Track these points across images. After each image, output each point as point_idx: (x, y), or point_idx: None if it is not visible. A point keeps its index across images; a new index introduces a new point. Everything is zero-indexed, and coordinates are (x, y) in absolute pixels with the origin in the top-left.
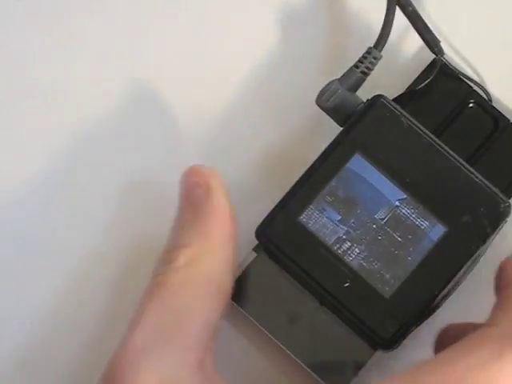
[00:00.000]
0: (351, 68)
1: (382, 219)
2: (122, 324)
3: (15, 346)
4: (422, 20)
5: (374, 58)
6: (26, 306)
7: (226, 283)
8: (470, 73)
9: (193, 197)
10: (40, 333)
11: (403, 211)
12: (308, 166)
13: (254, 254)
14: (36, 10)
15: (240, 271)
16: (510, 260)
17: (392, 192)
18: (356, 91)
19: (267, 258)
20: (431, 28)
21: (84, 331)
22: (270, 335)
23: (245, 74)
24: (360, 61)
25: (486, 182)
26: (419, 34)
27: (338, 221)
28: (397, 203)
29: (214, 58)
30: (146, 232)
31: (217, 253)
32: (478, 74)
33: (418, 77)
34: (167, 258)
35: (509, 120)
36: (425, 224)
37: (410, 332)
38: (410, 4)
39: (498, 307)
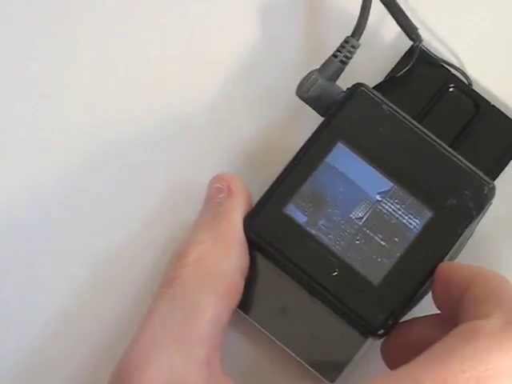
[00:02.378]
0: (330, 57)
1: (360, 218)
2: (128, 327)
3: (17, 349)
4: (399, 7)
5: (353, 47)
6: (29, 308)
7: (237, 284)
8: (448, 57)
9: (214, 200)
10: (43, 336)
11: (386, 207)
12: (291, 158)
13: None
14: (36, 10)
15: None
16: (451, 265)
17: (373, 185)
18: (336, 80)
19: (254, 252)
20: (409, 14)
21: (88, 334)
22: (261, 329)
23: (225, 69)
24: (338, 50)
25: (470, 164)
26: (396, 21)
27: (305, 222)
28: (378, 197)
29: (191, 54)
30: (154, 233)
31: (229, 253)
32: (457, 58)
33: (397, 64)
34: (179, 254)
35: (489, 102)
36: (408, 218)
37: (400, 319)
38: None
39: (476, 302)
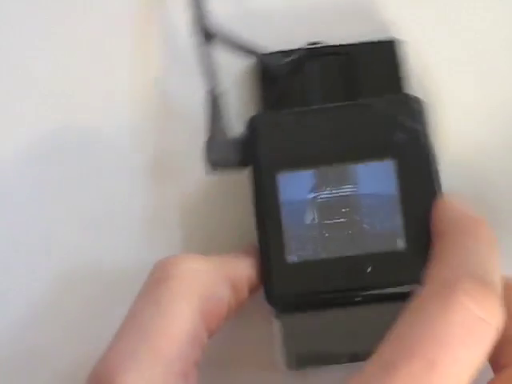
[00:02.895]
0: (207, 119)
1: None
2: (117, 323)
3: (8, 343)
4: (232, 38)
5: (217, 98)
6: (19, 303)
7: (224, 312)
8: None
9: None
10: (33, 331)
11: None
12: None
13: (277, 321)
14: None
15: (280, 340)
16: (441, 205)
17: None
18: (227, 132)
19: (290, 315)
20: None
21: (79, 330)
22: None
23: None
24: (209, 108)
25: (385, 97)
26: (235, 50)
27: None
28: (312, 195)
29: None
30: (154, 232)
31: (228, 282)
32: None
33: (255, 82)
34: (178, 257)
35: (350, 44)
36: (382, 180)
37: None
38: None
39: (434, 262)
